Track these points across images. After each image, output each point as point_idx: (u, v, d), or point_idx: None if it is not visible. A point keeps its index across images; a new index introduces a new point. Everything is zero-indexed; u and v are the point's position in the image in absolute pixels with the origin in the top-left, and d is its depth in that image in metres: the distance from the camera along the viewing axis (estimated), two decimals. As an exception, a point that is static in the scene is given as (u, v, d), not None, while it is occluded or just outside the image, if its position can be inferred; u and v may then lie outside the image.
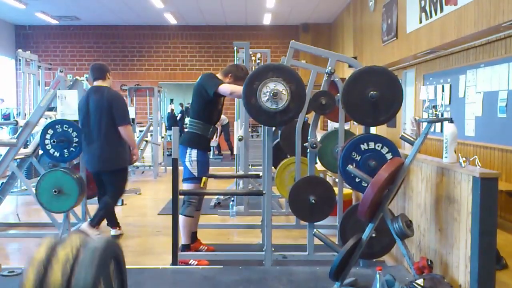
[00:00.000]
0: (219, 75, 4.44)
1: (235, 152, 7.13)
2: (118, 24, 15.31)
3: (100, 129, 4.99)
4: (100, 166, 5.06)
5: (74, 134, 5.20)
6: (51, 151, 5.21)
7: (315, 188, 3.93)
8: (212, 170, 5.64)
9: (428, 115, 3.42)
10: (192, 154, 4.36)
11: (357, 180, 3.63)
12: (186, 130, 4.52)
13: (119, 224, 5.47)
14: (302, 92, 3.68)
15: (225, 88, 4.17)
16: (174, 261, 4.01)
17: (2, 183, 5.85)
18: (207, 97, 4.26)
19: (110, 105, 4.99)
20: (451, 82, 7.31)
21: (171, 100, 15.56)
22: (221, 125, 13.67)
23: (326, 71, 3.91)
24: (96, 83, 5.15)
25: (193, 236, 4.62)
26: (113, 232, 5.38)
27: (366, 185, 3.27)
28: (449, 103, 7.34)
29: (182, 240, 4.40)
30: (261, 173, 4.88)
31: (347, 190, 4.88)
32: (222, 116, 13.15)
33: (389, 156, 3.59)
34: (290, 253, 4.12)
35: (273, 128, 4.14)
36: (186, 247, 4.41)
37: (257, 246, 4.74)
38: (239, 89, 4.01)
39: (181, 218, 4.35)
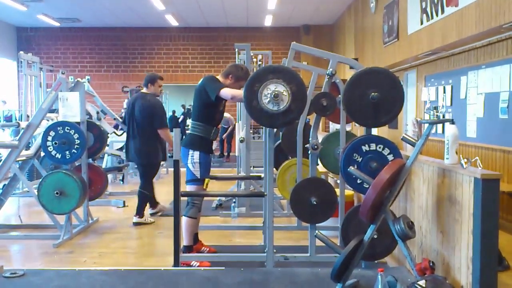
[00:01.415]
0: (219, 77, 4.44)
1: (236, 154, 7.13)
2: (119, 26, 15.33)
3: (139, 129, 5.97)
4: (136, 159, 6.12)
5: (76, 136, 5.22)
6: (53, 152, 5.23)
7: (316, 189, 3.93)
8: (214, 171, 5.66)
9: (430, 116, 3.43)
10: (194, 156, 4.37)
11: (358, 181, 3.63)
12: (188, 132, 4.53)
13: (157, 203, 6.59)
14: (303, 92, 3.68)
15: (226, 92, 4.17)
16: (176, 263, 4.01)
17: (4, 185, 5.86)
18: (209, 100, 4.26)
19: (151, 111, 5.98)
20: (452, 83, 7.31)
21: (173, 111, 15.46)
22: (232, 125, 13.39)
23: (327, 72, 3.91)
24: (143, 90, 6.28)
25: (195, 238, 4.63)
26: (150, 211, 6.42)
27: (367, 186, 3.27)
28: (451, 104, 7.34)
29: (184, 241, 4.40)
30: (262, 175, 4.88)
31: (348, 191, 4.88)
32: (231, 117, 13.08)
33: (390, 157, 3.59)
34: (291, 254, 4.12)
35: (275, 130, 4.14)
36: (188, 249, 4.42)
37: (258, 247, 4.75)
38: (239, 93, 4.04)
39: (184, 220, 4.36)
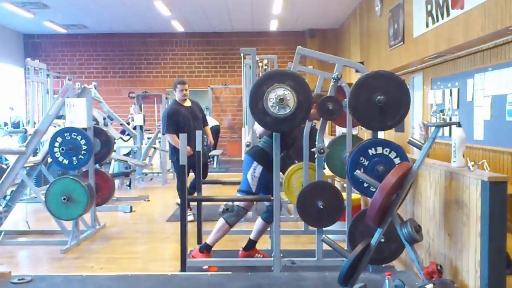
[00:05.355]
0: None
1: (243, 158, 7.11)
2: (125, 32, 15.39)
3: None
4: None
5: (83, 142, 5.24)
6: (60, 158, 5.25)
7: (323, 193, 3.93)
8: (220, 176, 5.65)
9: (436, 119, 3.42)
10: (256, 170, 4.37)
11: (365, 185, 3.62)
12: (259, 144, 4.52)
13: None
14: (308, 95, 3.69)
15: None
16: (183, 268, 4.01)
17: (12, 191, 5.89)
18: None
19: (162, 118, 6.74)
20: (459, 86, 7.28)
21: None
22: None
23: (333, 76, 3.91)
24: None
25: (252, 245, 4.66)
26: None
27: (374, 190, 3.26)
28: (457, 107, 7.31)
29: (209, 239, 4.43)
30: (269, 179, 4.87)
31: (355, 195, 4.87)
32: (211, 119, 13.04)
33: (397, 160, 3.58)
34: (298, 258, 4.11)
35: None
36: (207, 247, 4.42)
37: (265, 252, 4.74)
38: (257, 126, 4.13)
39: (221, 221, 4.42)
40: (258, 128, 4.21)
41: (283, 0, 11.25)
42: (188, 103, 6.59)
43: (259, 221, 4.61)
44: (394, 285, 3.15)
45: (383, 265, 3.91)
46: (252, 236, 4.65)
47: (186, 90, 6.56)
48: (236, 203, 4.46)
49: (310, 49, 4.35)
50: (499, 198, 2.94)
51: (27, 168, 6.14)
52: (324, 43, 14.77)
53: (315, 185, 4.00)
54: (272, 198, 4.12)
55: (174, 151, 6.43)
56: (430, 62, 8.18)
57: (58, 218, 5.21)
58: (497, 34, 5.59)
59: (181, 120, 6.40)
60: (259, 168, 4.37)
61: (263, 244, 5.11)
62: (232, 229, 5.91)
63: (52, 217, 5.28)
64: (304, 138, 4.37)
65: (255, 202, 5.97)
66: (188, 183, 6.19)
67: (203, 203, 5.46)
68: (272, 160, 4.36)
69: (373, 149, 3.61)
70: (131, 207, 7.25)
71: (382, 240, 3.38)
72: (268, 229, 4.81)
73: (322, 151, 3.97)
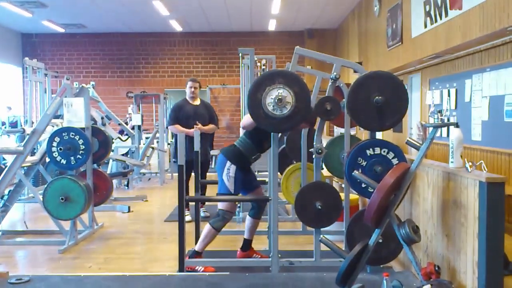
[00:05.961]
0: None
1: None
2: (124, 31, 15.37)
3: None
4: None
5: (81, 141, 5.23)
6: (58, 158, 5.24)
7: (321, 194, 3.92)
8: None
9: (434, 120, 3.42)
10: (230, 170, 4.34)
11: (363, 185, 3.62)
12: (234, 142, 4.51)
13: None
14: (306, 93, 3.70)
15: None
16: (181, 268, 4.01)
17: (10, 190, 5.88)
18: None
19: None
20: (457, 87, 7.29)
21: None
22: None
23: (331, 76, 3.91)
24: None
25: (248, 245, 4.65)
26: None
27: (372, 190, 3.26)
28: (455, 107, 7.32)
29: (197, 246, 4.39)
30: (267, 179, 4.88)
31: (353, 195, 4.87)
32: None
33: (395, 161, 3.58)
34: (296, 259, 4.11)
35: (279, 134, 4.14)
36: (196, 254, 4.40)
37: (263, 252, 4.74)
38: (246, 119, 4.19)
39: (207, 227, 4.37)
40: (245, 120, 4.20)
41: (281, 0, 11.25)
42: (196, 102, 6.64)
43: (248, 219, 4.65)
44: (392, 285, 3.15)
45: (381, 266, 3.91)
46: (245, 236, 4.66)
47: (195, 88, 6.64)
48: (219, 207, 4.40)
49: (309, 49, 4.35)
50: (496, 198, 2.94)
51: (25, 168, 6.13)
52: (322, 43, 14.77)
53: (313, 185, 4.00)
54: (270, 198, 4.12)
55: (176, 146, 6.49)
56: (428, 63, 8.19)
57: (56, 218, 5.20)
58: (495, 34, 5.60)
59: (182, 117, 6.44)
60: (233, 168, 4.34)
61: (261, 244, 5.11)
62: (230, 230, 5.94)
63: (50, 217, 5.28)
64: (302, 139, 4.37)
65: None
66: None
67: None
68: (246, 159, 4.37)
69: (371, 149, 3.61)
70: (129, 207, 7.25)
71: (380, 241, 3.39)
72: (267, 229, 4.82)
73: (320, 151, 3.97)
